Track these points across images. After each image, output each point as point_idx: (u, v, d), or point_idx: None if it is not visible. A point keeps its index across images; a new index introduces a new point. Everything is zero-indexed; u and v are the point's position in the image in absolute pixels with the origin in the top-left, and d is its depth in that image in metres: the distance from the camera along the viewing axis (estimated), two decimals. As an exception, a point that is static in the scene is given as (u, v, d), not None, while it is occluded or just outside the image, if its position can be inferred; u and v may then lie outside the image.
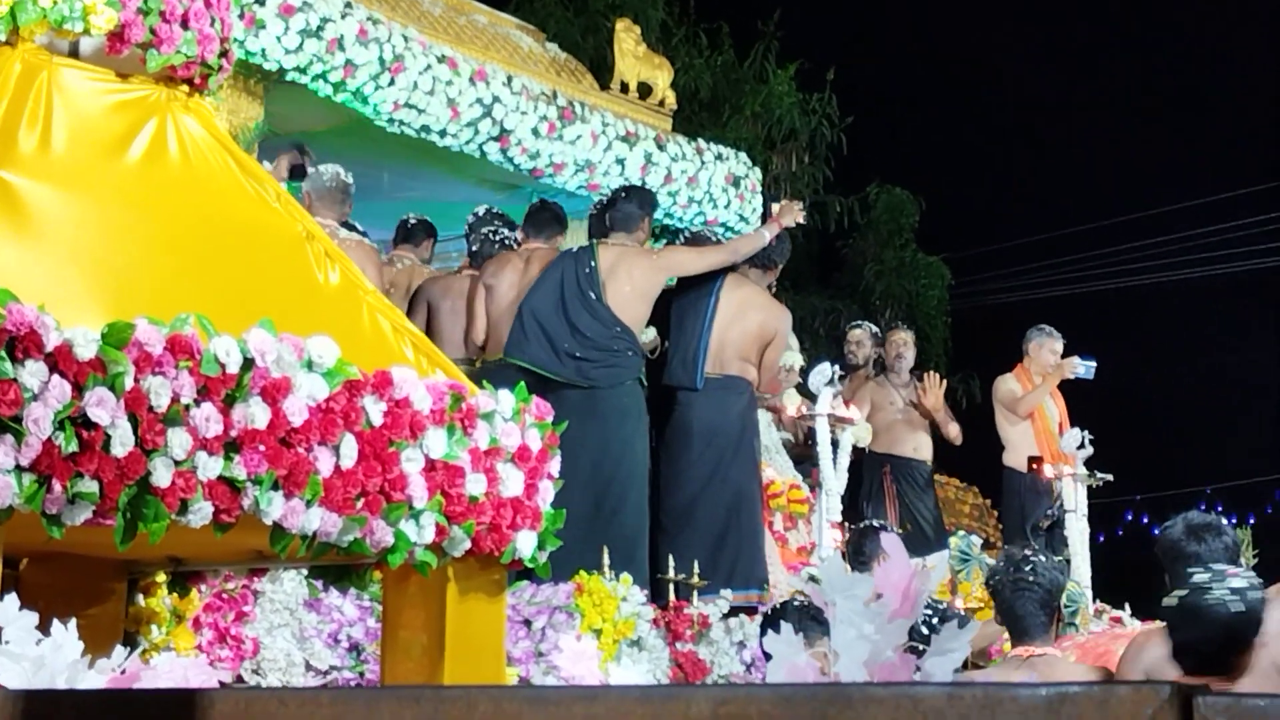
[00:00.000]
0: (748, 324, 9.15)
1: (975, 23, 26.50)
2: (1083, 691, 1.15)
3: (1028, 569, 5.65)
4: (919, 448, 12.03)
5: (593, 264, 8.80)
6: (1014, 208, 26.35)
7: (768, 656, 3.03)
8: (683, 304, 9.13)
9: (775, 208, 9.72)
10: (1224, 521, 5.89)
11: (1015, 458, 11.94)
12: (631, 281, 8.76)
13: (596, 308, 8.70)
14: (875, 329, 12.53)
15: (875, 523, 8.54)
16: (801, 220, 9.65)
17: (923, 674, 2.77)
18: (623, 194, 9.32)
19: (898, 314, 21.19)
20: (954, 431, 12.06)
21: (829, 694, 1.28)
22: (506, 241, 9.35)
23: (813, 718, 1.25)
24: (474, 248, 9.48)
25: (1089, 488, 11.45)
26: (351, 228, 8.94)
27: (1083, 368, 11.95)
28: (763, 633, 5.93)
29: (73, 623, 3.77)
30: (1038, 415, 12.10)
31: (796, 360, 11.06)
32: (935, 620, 5.74)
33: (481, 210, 9.64)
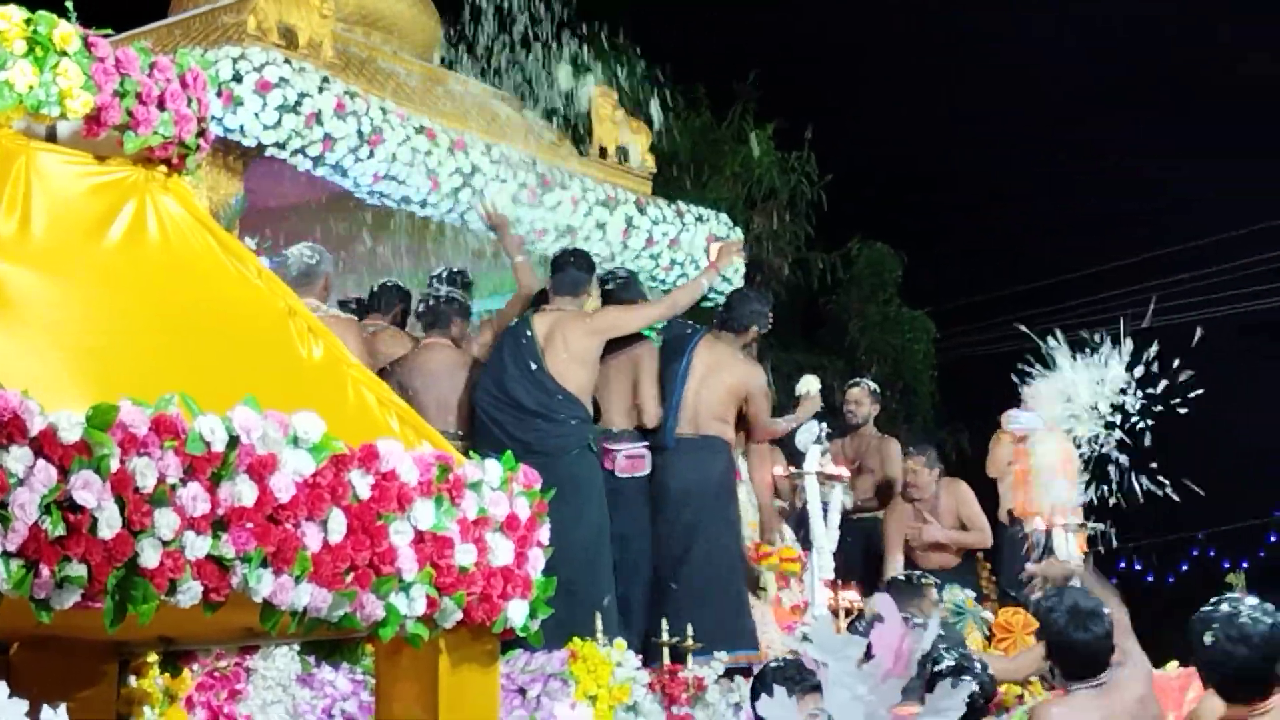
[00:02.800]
0: (719, 384, 9.20)
1: (951, 78, 26.66)
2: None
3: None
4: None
5: (529, 334, 8.81)
6: (997, 258, 26.41)
7: (761, 720, 3.02)
8: (665, 367, 9.17)
9: (712, 250, 9.77)
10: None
11: (1001, 511, 11.97)
12: (568, 348, 8.77)
13: (537, 377, 8.70)
14: (874, 386, 12.52)
15: (910, 575, 8.55)
16: (739, 260, 9.71)
17: (918, 733, 2.77)
18: (570, 258, 9.33)
19: (884, 369, 21.21)
20: (971, 539, 11.93)
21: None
22: (439, 303, 9.30)
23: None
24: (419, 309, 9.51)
25: (1089, 538, 11.44)
26: (346, 305, 8.98)
27: (1018, 421, 11.92)
28: (752, 698, 5.93)
29: (63, 708, 3.76)
30: (1022, 465, 12.09)
31: (814, 385, 11.02)
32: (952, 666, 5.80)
33: (438, 272, 9.68)
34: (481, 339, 9.43)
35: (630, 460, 8.84)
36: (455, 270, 9.85)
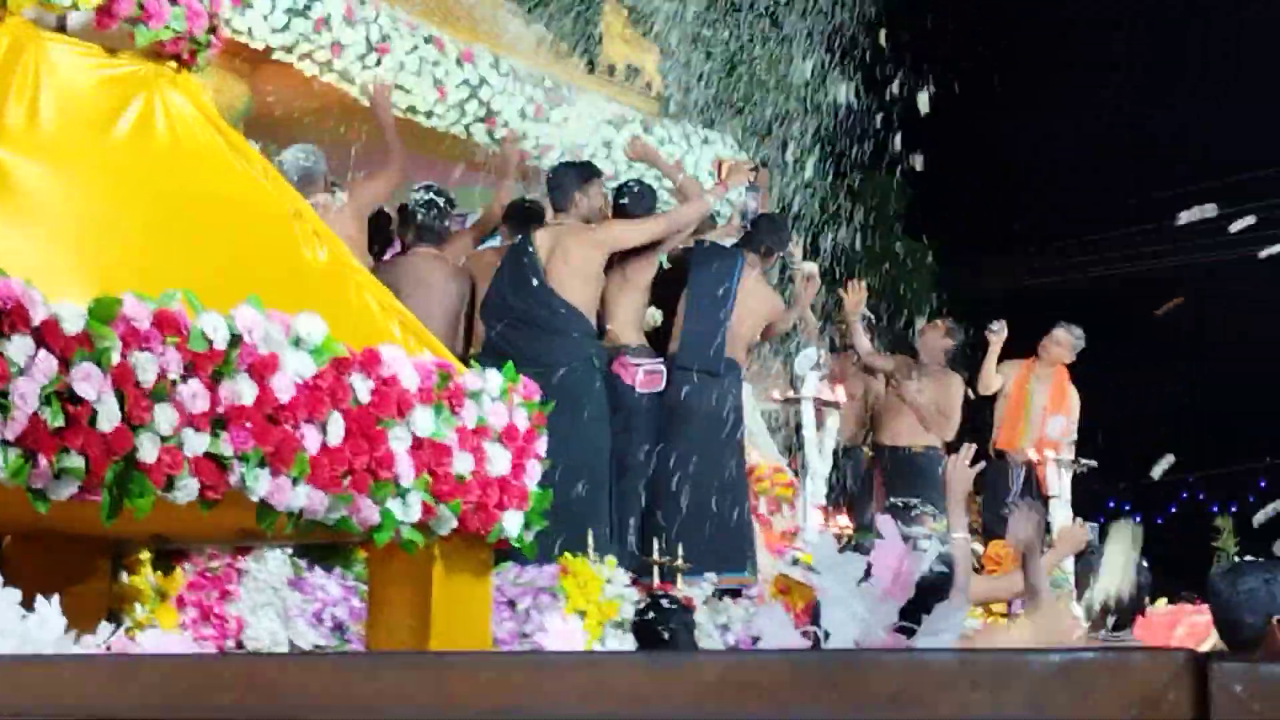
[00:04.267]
0: (752, 313, 9.19)
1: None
2: (1096, 658, 1.15)
3: None
4: (896, 435, 11.99)
5: (530, 249, 8.77)
6: (1003, 196, 26.32)
7: (755, 639, 3.02)
8: (697, 286, 9.11)
9: (723, 168, 9.70)
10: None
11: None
12: (568, 262, 8.70)
13: (538, 293, 8.66)
14: (869, 315, 12.49)
15: (905, 502, 8.57)
16: (751, 179, 9.62)
17: (914, 653, 2.77)
18: (555, 171, 9.28)
19: (883, 303, 21.20)
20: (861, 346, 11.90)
21: (839, 660, 1.27)
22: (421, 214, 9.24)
23: (823, 684, 1.23)
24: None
25: (1075, 474, 11.49)
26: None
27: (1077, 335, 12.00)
28: (640, 636, 6.03)
29: (56, 599, 3.76)
30: (1015, 398, 12.14)
31: (812, 268, 10.97)
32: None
33: (418, 187, 9.59)
34: (460, 242, 9.41)
35: (649, 376, 8.81)
36: (436, 188, 9.76)
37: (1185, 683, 1.11)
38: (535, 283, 8.69)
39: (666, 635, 5.96)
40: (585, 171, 9.25)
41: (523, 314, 8.67)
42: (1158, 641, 8.03)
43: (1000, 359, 12.20)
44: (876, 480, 11.81)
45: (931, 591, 5.18)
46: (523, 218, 9.25)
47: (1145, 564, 5.96)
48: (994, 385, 12.12)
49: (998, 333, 12.03)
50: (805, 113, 19.21)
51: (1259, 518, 7.21)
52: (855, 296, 11.18)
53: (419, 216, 9.17)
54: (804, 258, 10.66)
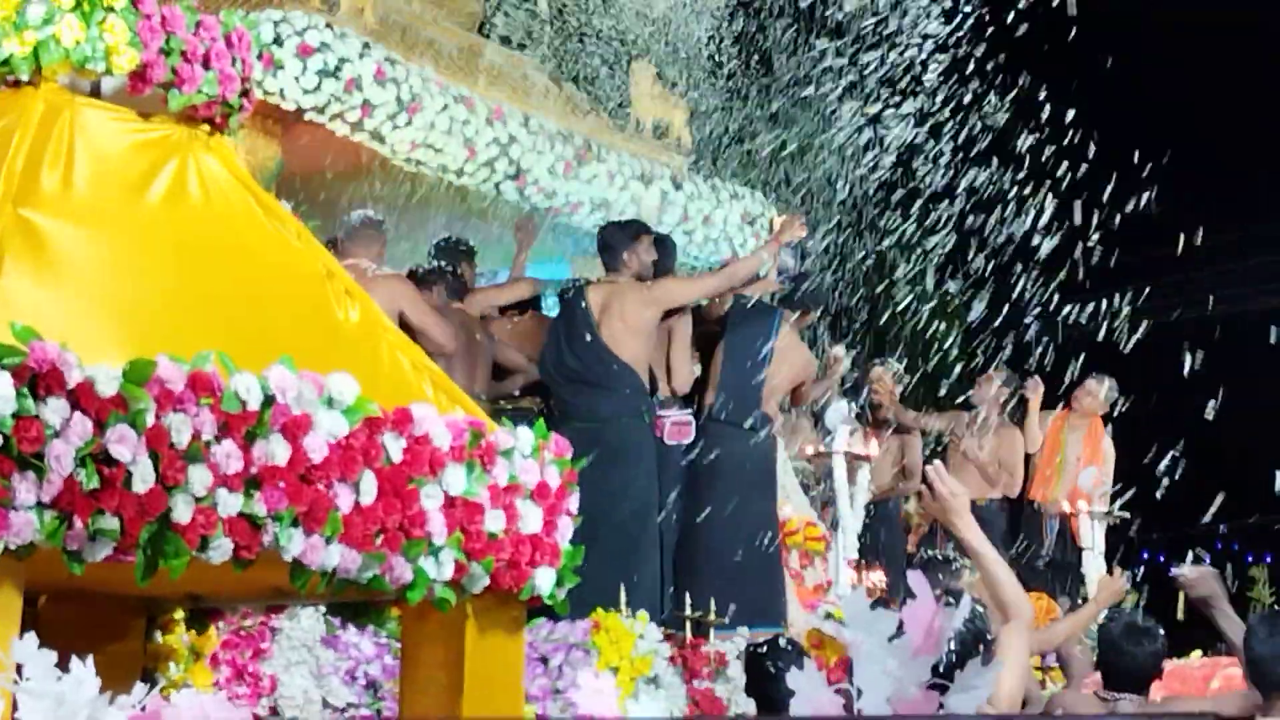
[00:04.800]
0: (787, 369, 9.26)
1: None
2: (1121, 721, 1.15)
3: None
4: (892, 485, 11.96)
5: (583, 304, 8.87)
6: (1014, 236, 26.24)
7: (790, 694, 3.02)
8: (736, 341, 9.16)
9: (775, 223, 9.77)
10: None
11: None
12: (624, 319, 8.81)
13: (593, 347, 8.75)
14: (897, 367, 12.48)
15: (939, 554, 8.56)
16: (803, 234, 9.67)
17: (946, 711, 2.77)
18: (608, 228, 9.40)
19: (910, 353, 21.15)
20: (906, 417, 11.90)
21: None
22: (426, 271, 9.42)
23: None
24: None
25: (1110, 525, 11.45)
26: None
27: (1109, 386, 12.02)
28: (751, 672, 6.02)
29: (90, 659, 3.77)
30: (1049, 449, 12.12)
31: (840, 351, 11.00)
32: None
33: (438, 240, 9.76)
34: (482, 296, 9.58)
35: (677, 427, 8.85)
36: (455, 240, 9.88)
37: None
38: (589, 338, 8.78)
39: (773, 670, 5.99)
40: (634, 229, 9.37)
41: (576, 370, 8.78)
42: (1192, 693, 7.99)
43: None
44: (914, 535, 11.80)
45: (971, 646, 5.17)
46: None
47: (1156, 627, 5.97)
48: (1039, 440, 12.09)
49: (1034, 390, 12.01)
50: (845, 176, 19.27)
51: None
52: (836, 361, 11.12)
53: (421, 272, 9.34)
54: (835, 338, 10.77)
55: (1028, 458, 12.19)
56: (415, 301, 8.51)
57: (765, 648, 6.11)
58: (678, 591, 8.57)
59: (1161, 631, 6.20)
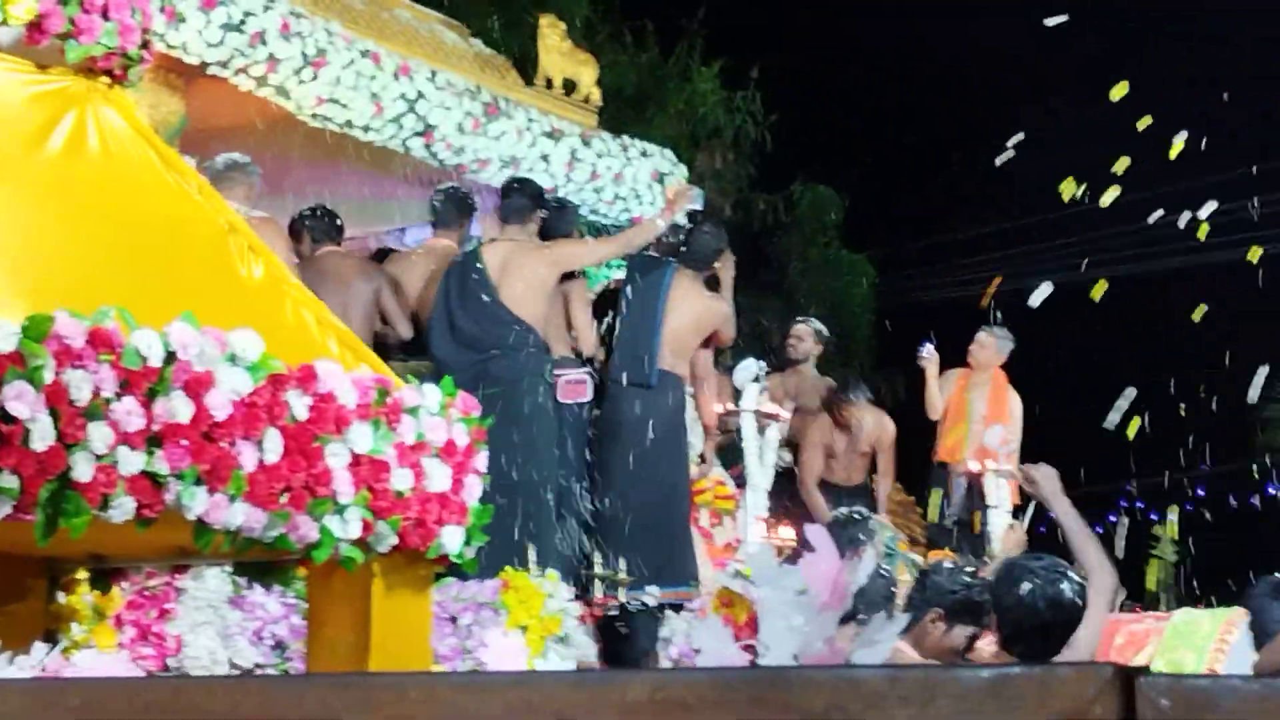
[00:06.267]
0: (686, 321, 9.19)
1: (901, 16, 26.60)
2: (1023, 673, 1.15)
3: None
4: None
5: (479, 266, 8.77)
6: (939, 204, 26.43)
7: (697, 651, 3.02)
8: (632, 301, 9.14)
9: (669, 192, 9.76)
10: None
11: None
12: (524, 278, 8.73)
13: (490, 309, 8.66)
14: (820, 327, 12.49)
15: (858, 512, 8.60)
16: (697, 205, 9.66)
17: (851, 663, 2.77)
18: (514, 185, 9.34)
19: (822, 311, 21.23)
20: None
21: (767, 677, 1.27)
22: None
23: (750, 702, 1.23)
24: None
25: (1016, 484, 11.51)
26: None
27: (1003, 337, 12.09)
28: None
29: (-10, 621, 3.72)
30: (954, 409, 12.15)
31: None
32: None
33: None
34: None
35: (571, 385, 8.80)
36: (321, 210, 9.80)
37: (1112, 696, 1.11)
38: (486, 298, 8.68)
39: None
40: (539, 188, 9.33)
41: (472, 331, 8.67)
42: (1100, 653, 8.05)
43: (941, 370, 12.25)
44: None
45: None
46: (449, 212, 9.38)
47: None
48: (940, 407, 12.13)
49: (929, 358, 12.07)
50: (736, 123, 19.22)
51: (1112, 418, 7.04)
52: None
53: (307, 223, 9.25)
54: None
55: (933, 421, 12.24)
56: (277, 248, 8.40)
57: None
58: (587, 551, 8.57)
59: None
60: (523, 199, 9.10)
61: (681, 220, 9.73)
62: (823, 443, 11.34)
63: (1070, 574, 5.35)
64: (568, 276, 9.04)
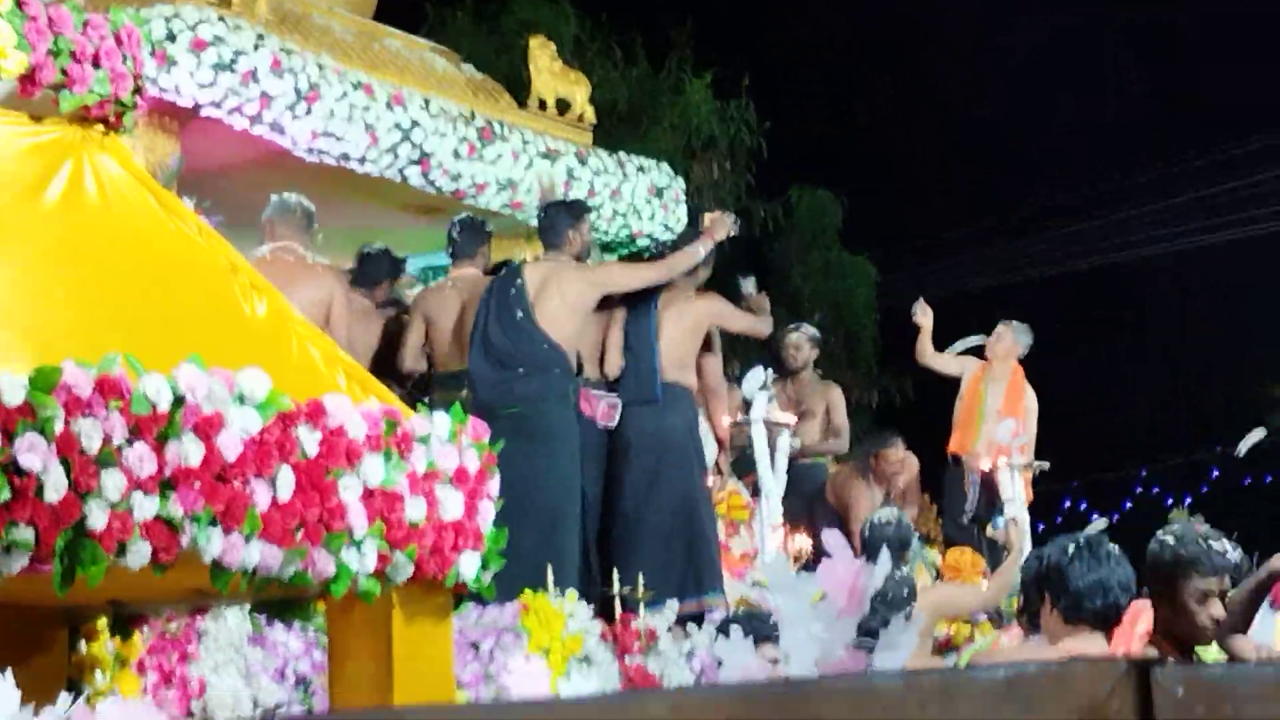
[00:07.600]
0: (681, 328, 9.22)
1: (890, 18, 26.64)
2: (1040, 670, 1.15)
3: None
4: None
5: (519, 282, 8.82)
6: (937, 202, 26.46)
7: (719, 663, 3.02)
8: (629, 318, 9.18)
9: (707, 219, 9.78)
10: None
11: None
12: (562, 296, 8.77)
13: (523, 326, 8.70)
14: (813, 331, 12.54)
15: (896, 515, 8.63)
16: (734, 232, 9.72)
17: (874, 669, 2.77)
18: (551, 208, 9.43)
19: (826, 315, 21.25)
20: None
21: (786, 691, 1.28)
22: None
23: (773, 715, 1.24)
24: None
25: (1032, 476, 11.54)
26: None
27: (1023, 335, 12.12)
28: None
29: (9, 673, 3.73)
30: (969, 401, 12.16)
31: (749, 285, 11.07)
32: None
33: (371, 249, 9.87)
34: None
35: (611, 409, 8.85)
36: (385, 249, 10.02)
37: (1128, 689, 1.12)
38: (519, 315, 8.73)
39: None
40: (576, 209, 9.39)
41: (503, 347, 8.72)
42: (1121, 639, 8.03)
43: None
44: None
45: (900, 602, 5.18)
46: (467, 240, 9.49)
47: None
48: (929, 352, 12.20)
49: (923, 314, 12.14)
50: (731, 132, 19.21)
51: (1241, 448, 7.08)
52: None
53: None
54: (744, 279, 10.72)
55: (948, 410, 12.27)
56: (343, 301, 8.66)
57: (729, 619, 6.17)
58: (604, 570, 8.58)
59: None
60: (558, 219, 9.19)
61: (675, 225, 9.78)
62: (870, 506, 11.37)
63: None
64: (611, 298, 9.10)
